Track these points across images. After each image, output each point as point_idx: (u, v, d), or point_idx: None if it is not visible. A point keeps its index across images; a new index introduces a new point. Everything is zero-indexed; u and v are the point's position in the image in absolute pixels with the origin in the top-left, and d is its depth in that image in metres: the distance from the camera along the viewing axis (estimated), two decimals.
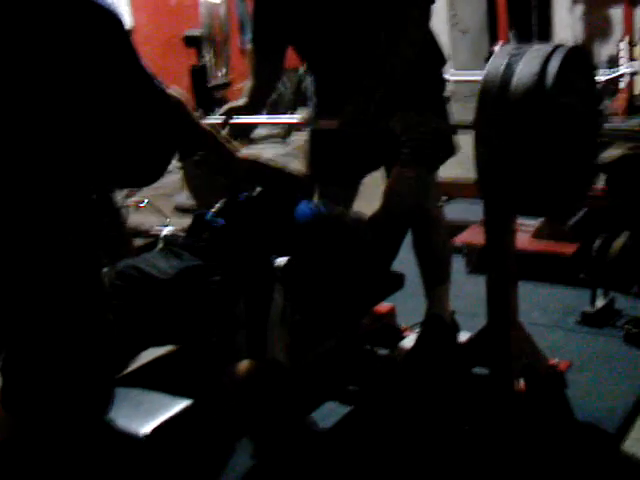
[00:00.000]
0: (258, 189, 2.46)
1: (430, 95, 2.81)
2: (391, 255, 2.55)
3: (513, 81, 2.10)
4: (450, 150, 2.88)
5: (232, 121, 2.74)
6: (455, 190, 4.87)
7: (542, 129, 2.07)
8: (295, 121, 3.42)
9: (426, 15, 2.68)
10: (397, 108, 2.50)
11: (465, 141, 2.38)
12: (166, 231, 2.47)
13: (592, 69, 2.37)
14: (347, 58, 2.71)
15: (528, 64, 2.11)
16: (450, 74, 4.90)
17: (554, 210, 2.34)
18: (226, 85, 7.53)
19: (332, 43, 2.71)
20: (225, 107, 2.84)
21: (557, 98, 2.09)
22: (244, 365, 1.86)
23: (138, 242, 4.55)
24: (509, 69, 2.12)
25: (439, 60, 2.92)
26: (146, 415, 1.90)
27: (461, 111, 2.95)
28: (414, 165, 2.49)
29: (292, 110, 8.49)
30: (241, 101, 2.86)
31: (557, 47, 2.16)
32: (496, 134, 2.12)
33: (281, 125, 7.07)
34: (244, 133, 2.82)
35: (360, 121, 2.51)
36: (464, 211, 4.73)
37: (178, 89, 2.03)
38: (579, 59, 2.24)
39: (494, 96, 2.12)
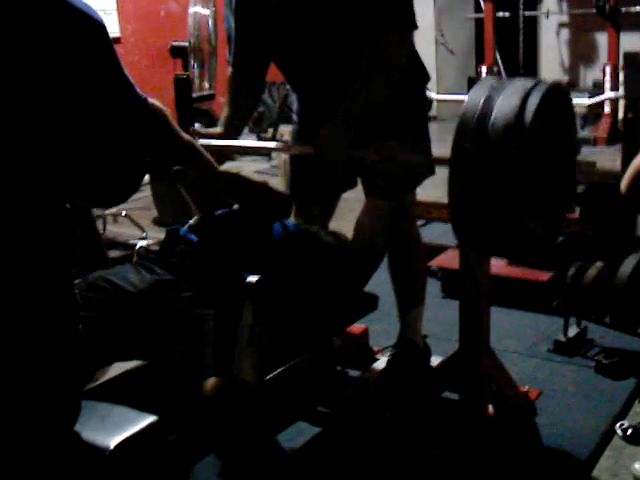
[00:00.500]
0: (235, 205, 2.45)
1: (411, 116, 2.81)
2: (366, 277, 2.54)
3: (491, 117, 2.10)
4: (429, 170, 2.88)
5: (208, 143, 2.67)
6: (433, 212, 4.88)
7: (519, 166, 2.08)
8: (271, 147, 3.42)
9: (407, 39, 2.67)
10: (376, 131, 2.50)
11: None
12: (141, 244, 2.45)
13: (571, 106, 2.39)
14: (328, 80, 2.70)
15: (507, 101, 2.11)
16: (435, 95, 4.92)
17: (528, 251, 2.33)
18: (211, 97, 7.50)
19: (313, 64, 2.71)
20: (203, 132, 2.78)
21: (535, 136, 2.09)
22: (211, 382, 1.85)
23: (115, 254, 4.54)
24: (487, 104, 2.12)
25: (421, 79, 2.90)
26: (112, 429, 1.88)
27: (444, 132, 2.95)
28: (386, 196, 2.49)
29: (277, 125, 8.49)
30: (217, 130, 2.81)
31: (537, 83, 2.17)
32: (471, 170, 2.12)
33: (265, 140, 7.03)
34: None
35: (335, 149, 2.46)
36: (441, 234, 4.74)
37: (157, 102, 2.00)
38: (558, 96, 2.25)
39: (471, 132, 2.12)
